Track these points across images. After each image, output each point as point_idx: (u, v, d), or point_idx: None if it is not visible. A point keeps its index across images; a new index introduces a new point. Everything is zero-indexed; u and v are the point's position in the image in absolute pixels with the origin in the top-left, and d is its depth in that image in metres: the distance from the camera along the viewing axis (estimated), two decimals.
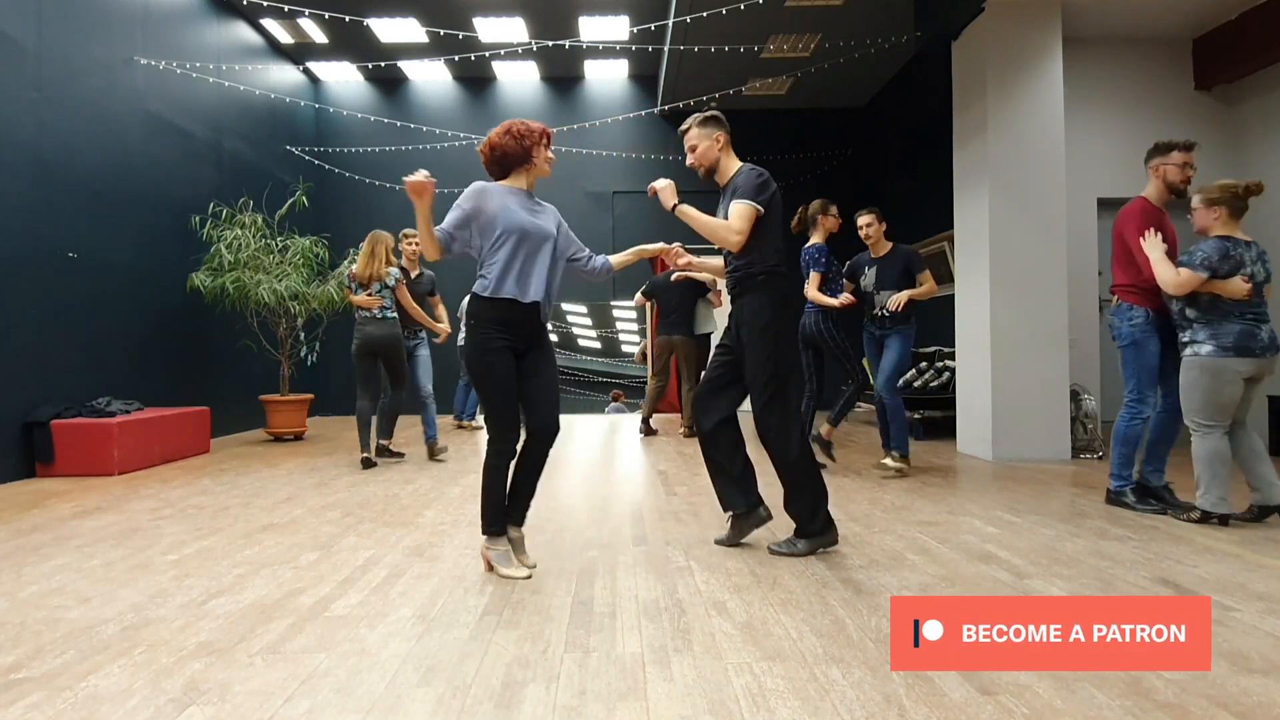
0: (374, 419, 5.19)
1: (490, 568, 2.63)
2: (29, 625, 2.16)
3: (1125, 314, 3.50)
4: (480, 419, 8.07)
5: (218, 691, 1.72)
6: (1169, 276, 3.18)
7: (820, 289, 4.52)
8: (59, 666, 1.87)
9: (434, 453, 5.34)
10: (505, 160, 2.67)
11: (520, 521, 2.71)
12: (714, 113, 2.94)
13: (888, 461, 4.52)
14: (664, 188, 2.89)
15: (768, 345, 2.78)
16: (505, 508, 2.65)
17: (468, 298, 2.72)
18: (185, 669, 1.84)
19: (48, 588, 2.51)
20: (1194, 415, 3.22)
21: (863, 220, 4.55)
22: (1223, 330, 3.12)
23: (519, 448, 2.65)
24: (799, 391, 2.84)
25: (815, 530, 2.82)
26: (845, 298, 4.50)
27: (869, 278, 4.57)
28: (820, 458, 4.36)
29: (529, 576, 2.57)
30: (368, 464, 4.98)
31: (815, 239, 4.59)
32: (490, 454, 2.62)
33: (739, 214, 2.75)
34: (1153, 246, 3.27)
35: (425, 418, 5.38)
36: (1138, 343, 3.46)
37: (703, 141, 2.89)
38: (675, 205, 2.88)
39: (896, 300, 4.36)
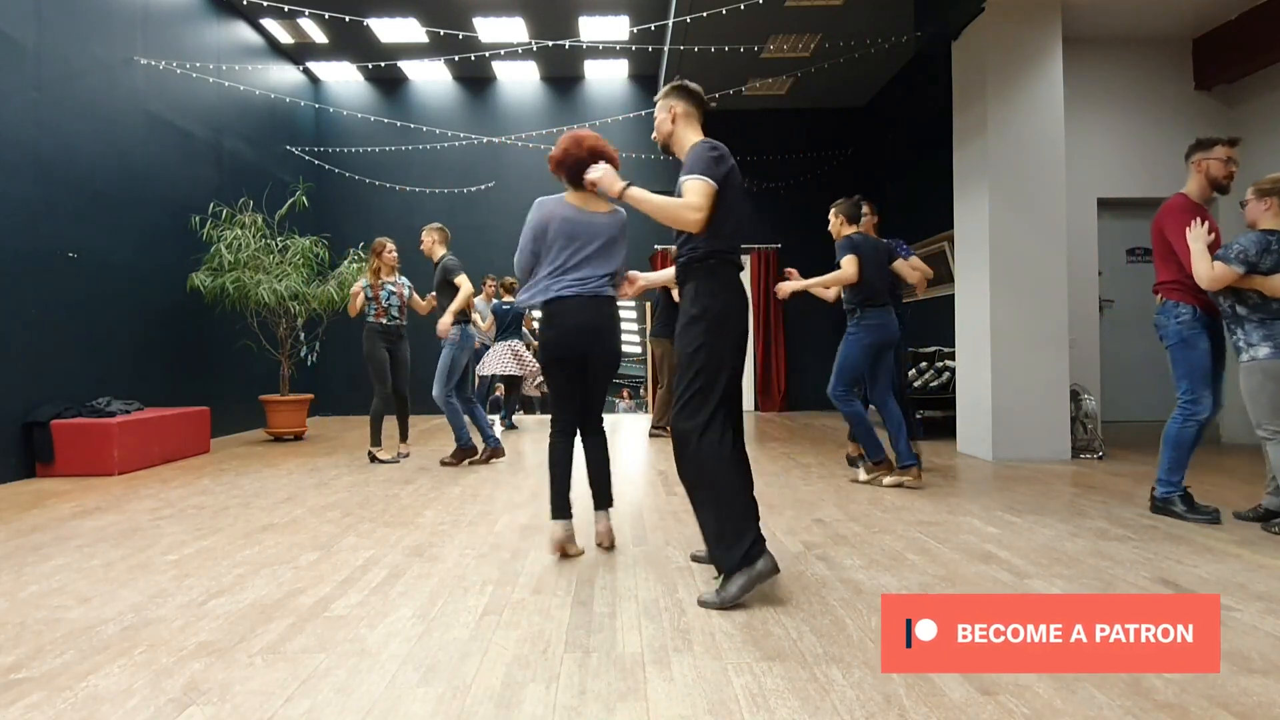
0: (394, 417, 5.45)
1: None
2: (29, 625, 2.16)
3: (1171, 311, 3.34)
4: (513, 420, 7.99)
5: (218, 691, 1.72)
6: (1203, 270, 3.09)
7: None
8: (59, 666, 1.87)
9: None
10: (577, 169, 2.81)
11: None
12: (680, 82, 2.64)
13: (860, 475, 4.31)
14: (602, 175, 2.56)
15: (696, 336, 2.39)
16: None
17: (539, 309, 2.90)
18: (185, 669, 1.84)
19: (48, 588, 2.51)
20: (1265, 422, 3.06)
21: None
22: (1277, 330, 3.03)
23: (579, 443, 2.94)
24: (720, 397, 2.38)
25: (735, 562, 2.24)
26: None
27: None
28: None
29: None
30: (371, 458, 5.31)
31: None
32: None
33: (694, 189, 2.37)
34: (1196, 238, 3.16)
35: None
36: (1186, 340, 3.30)
37: (660, 113, 2.62)
38: (623, 189, 2.52)
39: (783, 290, 4.14)
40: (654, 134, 2.69)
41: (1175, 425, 3.34)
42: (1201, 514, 3.29)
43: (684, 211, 2.38)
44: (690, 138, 2.57)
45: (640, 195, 2.49)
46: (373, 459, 5.24)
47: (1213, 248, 3.18)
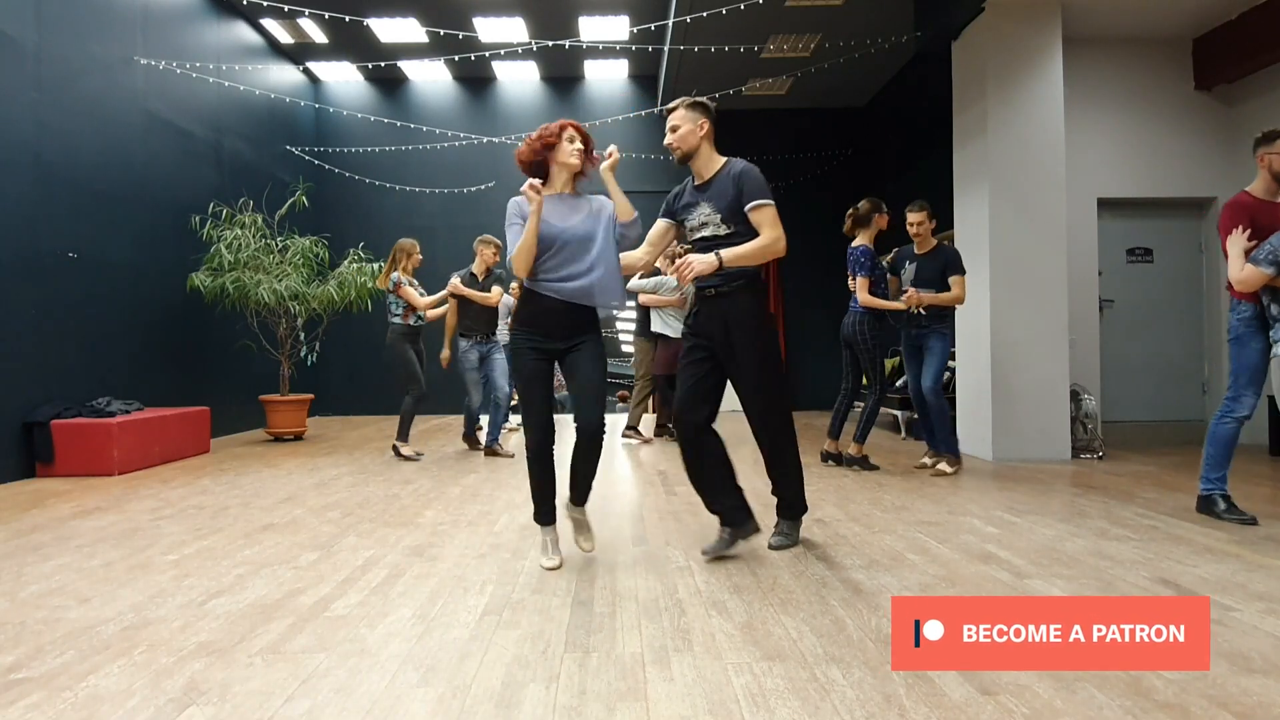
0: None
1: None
2: (29, 625, 2.16)
3: (1234, 309, 3.33)
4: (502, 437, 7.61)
5: (218, 691, 1.72)
6: (1235, 272, 3.13)
7: (870, 292, 4.55)
8: (59, 666, 1.87)
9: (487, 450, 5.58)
10: (533, 169, 2.71)
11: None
12: (705, 99, 2.81)
13: (943, 466, 4.54)
14: (702, 265, 2.63)
15: (764, 344, 2.80)
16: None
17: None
18: (185, 669, 1.84)
19: (48, 588, 2.51)
20: None
21: (914, 218, 4.51)
22: None
23: (573, 444, 2.73)
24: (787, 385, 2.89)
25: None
26: (911, 295, 4.38)
27: (909, 273, 4.57)
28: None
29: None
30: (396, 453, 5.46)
31: (863, 240, 4.60)
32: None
33: (772, 220, 2.66)
34: (1234, 242, 3.19)
35: (491, 419, 5.63)
36: (1240, 338, 3.28)
37: (686, 124, 2.75)
38: (720, 264, 2.63)
39: (918, 298, 4.35)
40: (670, 140, 2.80)
41: (1213, 422, 3.35)
42: (1237, 516, 3.25)
43: (778, 244, 2.66)
44: (714, 158, 2.80)
45: (736, 253, 2.65)
46: (397, 453, 5.42)
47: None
